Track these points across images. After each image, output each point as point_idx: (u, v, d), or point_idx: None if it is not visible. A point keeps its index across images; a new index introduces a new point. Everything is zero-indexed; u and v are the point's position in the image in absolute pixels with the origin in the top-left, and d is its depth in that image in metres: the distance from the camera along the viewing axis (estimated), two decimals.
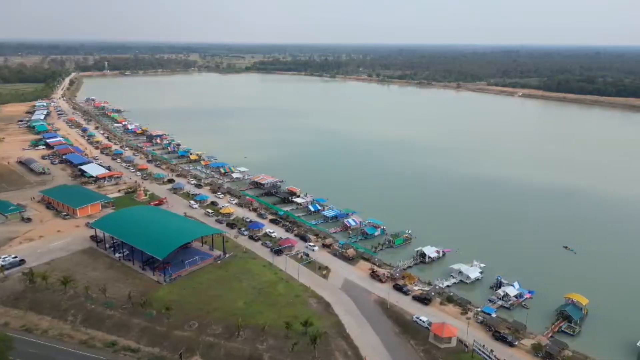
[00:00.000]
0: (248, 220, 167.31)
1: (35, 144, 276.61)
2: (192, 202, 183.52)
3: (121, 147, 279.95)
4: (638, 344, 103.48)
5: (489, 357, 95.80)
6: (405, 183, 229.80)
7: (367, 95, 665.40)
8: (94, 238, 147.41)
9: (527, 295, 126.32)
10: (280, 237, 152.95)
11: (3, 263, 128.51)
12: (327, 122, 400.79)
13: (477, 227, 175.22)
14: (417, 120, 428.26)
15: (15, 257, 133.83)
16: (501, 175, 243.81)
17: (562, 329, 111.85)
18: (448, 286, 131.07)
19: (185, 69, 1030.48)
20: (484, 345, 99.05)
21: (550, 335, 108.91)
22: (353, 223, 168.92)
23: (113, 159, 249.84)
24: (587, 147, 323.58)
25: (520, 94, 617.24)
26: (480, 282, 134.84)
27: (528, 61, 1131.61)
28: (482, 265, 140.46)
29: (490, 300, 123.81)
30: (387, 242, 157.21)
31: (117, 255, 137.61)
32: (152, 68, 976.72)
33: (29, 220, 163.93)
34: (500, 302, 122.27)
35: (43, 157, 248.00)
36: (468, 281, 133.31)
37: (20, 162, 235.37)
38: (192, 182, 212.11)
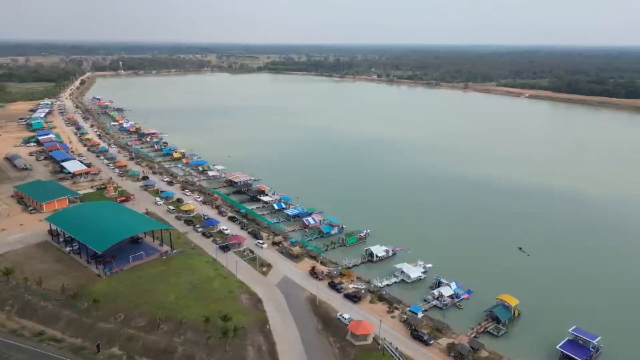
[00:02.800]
0: (206, 217, 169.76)
1: (27, 141, 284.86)
2: (157, 198, 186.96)
3: (109, 145, 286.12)
4: (557, 347, 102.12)
5: (395, 355, 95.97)
6: (382, 182, 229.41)
7: (371, 95, 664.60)
8: (51, 232, 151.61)
9: (464, 296, 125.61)
10: (232, 234, 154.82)
11: None
12: (320, 121, 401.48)
13: (441, 227, 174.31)
14: (411, 121, 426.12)
15: None
16: (480, 176, 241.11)
17: (488, 329, 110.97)
18: (388, 285, 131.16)
19: (198, 69, 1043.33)
20: (390, 343, 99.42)
21: (473, 335, 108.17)
22: (312, 222, 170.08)
23: (97, 156, 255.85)
24: (575, 148, 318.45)
25: (527, 94, 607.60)
26: (422, 281, 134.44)
27: (545, 61, 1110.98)
28: (428, 265, 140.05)
29: (425, 300, 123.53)
30: (340, 241, 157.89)
31: (67, 248, 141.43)
32: (165, 68, 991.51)
33: None
34: (434, 302, 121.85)
35: (30, 154, 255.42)
36: (409, 280, 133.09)
37: (7, 158, 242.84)
38: (166, 179, 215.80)
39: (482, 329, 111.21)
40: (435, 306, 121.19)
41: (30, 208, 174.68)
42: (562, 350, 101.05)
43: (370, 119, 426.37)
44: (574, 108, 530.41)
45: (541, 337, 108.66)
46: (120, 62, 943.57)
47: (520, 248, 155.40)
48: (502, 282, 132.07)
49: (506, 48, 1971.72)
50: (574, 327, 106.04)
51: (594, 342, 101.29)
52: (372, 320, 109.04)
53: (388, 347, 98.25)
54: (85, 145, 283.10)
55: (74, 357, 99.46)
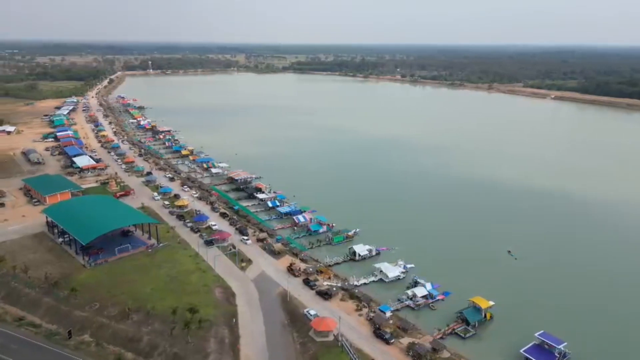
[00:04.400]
0: (198, 212, 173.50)
1: (46, 137, 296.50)
2: (155, 194, 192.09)
3: (122, 141, 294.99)
4: (521, 351, 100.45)
5: (350, 352, 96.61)
6: (383, 182, 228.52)
7: (391, 95, 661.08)
8: (48, 224, 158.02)
9: (440, 297, 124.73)
10: (219, 230, 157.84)
11: None
12: (333, 121, 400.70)
13: (434, 229, 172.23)
14: (425, 121, 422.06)
15: None
16: (483, 177, 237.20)
17: (456, 331, 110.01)
18: (365, 284, 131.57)
19: (225, 68, 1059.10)
20: (346, 340, 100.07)
21: (439, 336, 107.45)
22: (302, 220, 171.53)
23: (108, 152, 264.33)
24: (587, 151, 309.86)
25: (553, 96, 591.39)
26: (401, 281, 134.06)
27: (577, 62, 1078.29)
28: (410, 265, 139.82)
29: (399, 300, 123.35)
30: (326, 239, 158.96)
31: (59, 240, 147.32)
32: (193, 68, 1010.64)
33: (2, 205, 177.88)
34: (408, 302, 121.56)
35: (46, 149, 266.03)
36: (387, 280, 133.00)
37: (23, 153, 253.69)
38: (168, 175, 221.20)
39: (449, 330, 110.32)
40: (407, 306, 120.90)
41: (34, 200, 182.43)
42: (525, 354, 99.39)
43: (384, 119, 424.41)
44: (600, 110, 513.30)
45: (509, 341, 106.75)
46: (149, 62, 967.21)
47: (509, 251, 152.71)
48: (483, 285, 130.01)
49: (540, 48, 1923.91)
50: (542, 331, 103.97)
51: (560, 347, 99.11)
52: (340, 317, 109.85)
53: (344, 344, 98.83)
54: (99, 141, 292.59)
55: (47, 342, 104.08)
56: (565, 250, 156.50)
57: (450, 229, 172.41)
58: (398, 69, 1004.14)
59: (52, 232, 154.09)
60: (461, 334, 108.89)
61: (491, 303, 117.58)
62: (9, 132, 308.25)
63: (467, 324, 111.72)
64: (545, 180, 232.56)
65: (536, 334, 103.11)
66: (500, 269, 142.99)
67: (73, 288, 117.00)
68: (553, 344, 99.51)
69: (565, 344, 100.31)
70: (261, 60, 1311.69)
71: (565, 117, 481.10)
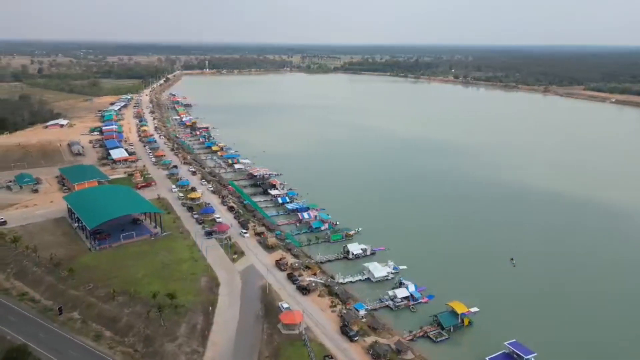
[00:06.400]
0: (207, 204, 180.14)
1: (93, 130, 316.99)
2: (173, 186, 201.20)
3: (159, 136, 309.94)
4: (487, 358, 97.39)
5: (307, 345, 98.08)
6: (401, 184, 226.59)
7: (440, 97, 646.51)
8: (69, 209, 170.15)
9: (423, 300, 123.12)
10: (220, 222, 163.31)
11: None
12: (367, 121, 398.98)
13: (439, 232, 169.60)
14: (462, 124, 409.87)
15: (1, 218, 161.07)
16: (502, 183, 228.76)
17: (429, 334, 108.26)
18: (351, 282, 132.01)
19: (278, 68, 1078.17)
20: (307, 335, 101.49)
21: (410, 338, 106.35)
22: (307, 216, 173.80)
23: (144, 146, 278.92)
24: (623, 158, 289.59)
25: (614, 99, 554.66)
26: (389, 281, 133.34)
27: None
28: (403, 267, 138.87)
29: (380, 299, 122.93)
30: (325, 237, 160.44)
31: (75, 224, 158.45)
32: (247, 67, 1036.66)
33: (36, 191, 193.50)
34: (388, 302, 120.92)
35: (90, 142, 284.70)
36: (374, 279, 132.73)
37: (68, 145, 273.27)
38: (191, 169, 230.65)
39: (421, 333, 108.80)
40: (387, 306, 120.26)
41: (65, 188, 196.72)
42: None
43: (420, 121, 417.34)
44: None
45: (480, 348, 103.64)
46: (206, 62, 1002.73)
47: (511, 259, 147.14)
48: (472, 291, 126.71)
49: (613, 49, 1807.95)
50: (513, 340, 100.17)
51: (527, 357, 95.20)
52: (313, 312, 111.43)
53: (305, 338, 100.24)
54: (139, 135, 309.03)
55: (40, 317, 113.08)
56: (568, 264, 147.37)
57: (456, 233, 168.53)
58: (452, 70, 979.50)
59: (71, 218, 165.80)
60: (433, 338, 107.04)
61: (473, 309, 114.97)
62: (61, 125, 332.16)
63: (442, 328, 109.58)
64: (573, 188, 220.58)
65: (506, 343, 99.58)
66: (496, 276, 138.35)
67: (71, 269, 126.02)
68: (521, 354, 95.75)
69: (536, 354, 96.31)
70: (316, 60, 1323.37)
71: (617, 122, 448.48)
